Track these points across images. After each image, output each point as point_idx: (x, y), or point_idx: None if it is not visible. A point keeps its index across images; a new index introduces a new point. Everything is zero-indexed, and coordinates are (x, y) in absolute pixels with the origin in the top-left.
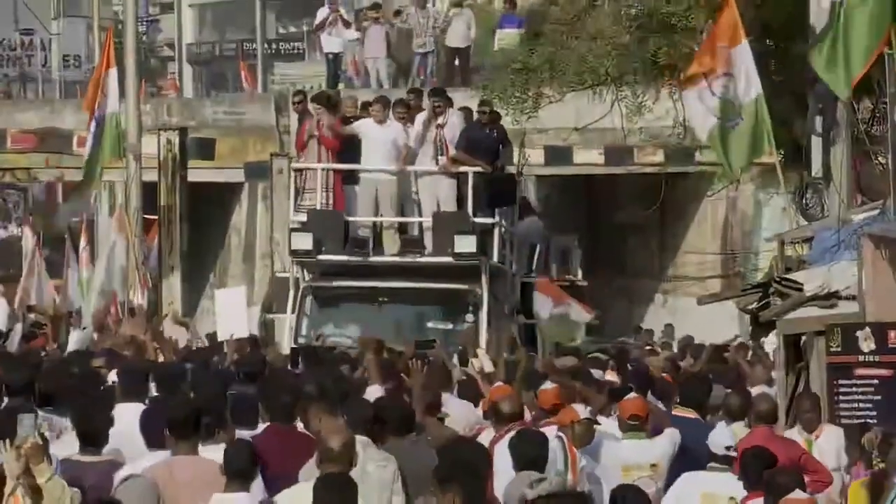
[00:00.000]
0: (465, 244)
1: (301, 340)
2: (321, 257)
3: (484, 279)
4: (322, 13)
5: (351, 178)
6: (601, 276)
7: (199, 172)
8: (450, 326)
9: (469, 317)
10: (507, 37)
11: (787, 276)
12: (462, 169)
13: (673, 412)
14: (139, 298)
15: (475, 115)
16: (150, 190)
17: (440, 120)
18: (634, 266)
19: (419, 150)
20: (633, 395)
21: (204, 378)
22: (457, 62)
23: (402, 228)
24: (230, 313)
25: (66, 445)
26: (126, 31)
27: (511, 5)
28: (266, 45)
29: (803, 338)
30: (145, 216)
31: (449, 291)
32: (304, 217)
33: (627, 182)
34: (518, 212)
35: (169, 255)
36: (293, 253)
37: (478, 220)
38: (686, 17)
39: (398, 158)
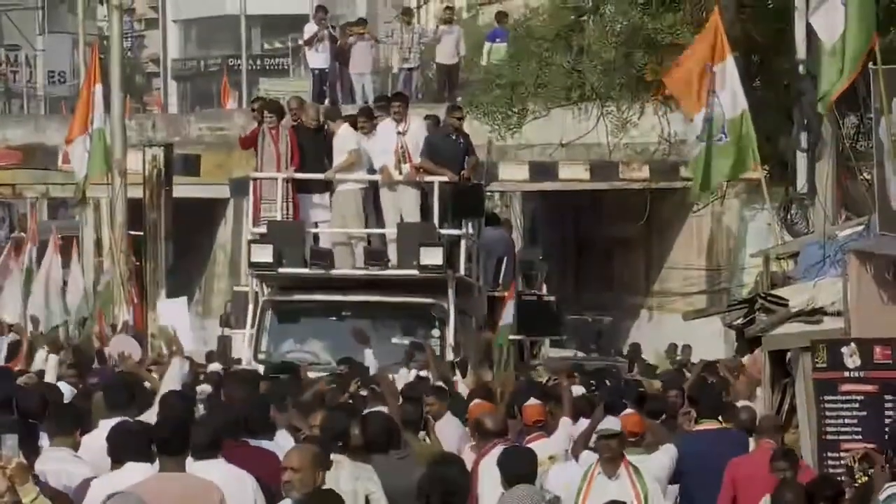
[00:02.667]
0: (431, 256)
1: (261, 357)
2: (281, 270)
3: (450, 293)
4: (310, 29)
5: (305, 187)
6: (587, 291)
7: (184, 188)
8: (413, 342)
9: (435, 332)
10: (497, 50)
11: (773, 291)
12: (427, 179)
13: (696, 428)
14: (125, 315)
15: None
16: (134, 206)
17: (400, 127)
18: (621, 281)
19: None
20: (629, 411)
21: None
22: (446, 79)
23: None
24: (173, 325)
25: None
26: (111, 47)
27: (502, 18)
28: (251, 61)
29: (789, 354)
30: (130, 232)
31: (414, 305)
32: (263, 229)
33: (613, 198)
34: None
35: (154, 272)
36: (252, 266)
37: (444, 231)
38: (672, 33)
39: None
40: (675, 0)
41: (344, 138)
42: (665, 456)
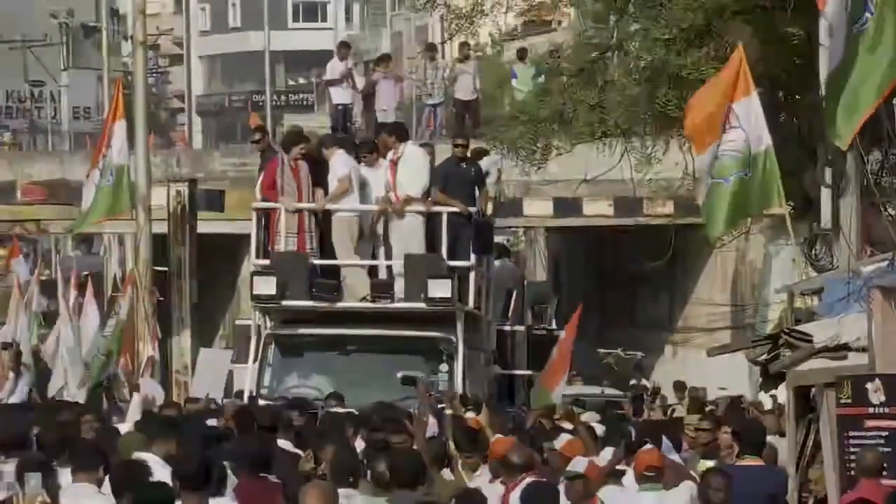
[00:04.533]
0: (440, 289)
1: (263, 392)
2: (285, 303)
3: (459, 326)
4: (334, 66)
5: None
6: (611, 326)
7: (208, 224)
8: (422, 377)
9: (443, 366)
10: (523, 76)
11: (797, 327)
12: (435, 209)
13: (737, 463)
14: (150, 351)
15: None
16: (157, 242)
17: (391, 155)
18: (645, 317)
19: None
20: (649, 446)
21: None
22: (466, 115)
23: (371, 272)
24: (211, 372)
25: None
26: (136, 83)
27: (523, 55)
28: (275, 97)
29: (813, 389)
30: (154, 268)
31: (422, 339)
32: (266, 261)
33: (637, 233)
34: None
35: (178, 308)
36: (255, 298)
37: (453, 263)
38: (696, 69)
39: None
40: (700, 36)
41: (337, 165)
42: (685, 492)
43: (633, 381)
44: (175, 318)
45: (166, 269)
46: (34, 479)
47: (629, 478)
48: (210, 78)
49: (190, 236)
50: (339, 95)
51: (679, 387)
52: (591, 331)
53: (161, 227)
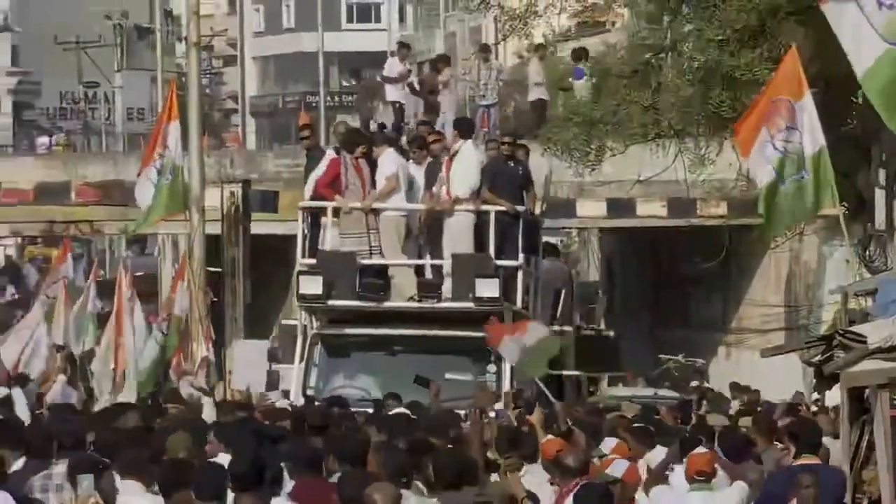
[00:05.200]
0: (487, 288)
1: (310, 393)
2: (331, 302)
3: None
4: (393, 65)
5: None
6: (664, 328)
7: (262, 225)
8: (470, 377)
9: (491, 367)
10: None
11: (851, 328)
12: (484, 207)
13: (795, 462)
14: (203, 351)
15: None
16: (211, 243)
17: (451, 149)
18: (698, 318)
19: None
20: (702, 449)
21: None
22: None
23: (419, 271)
24: (247, 364)
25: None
26: (189, 84)
27: (582, 55)
28: (328, 98)
29: (867, 391)
30: (208, 269)
31: (469, 340)
32: (312, 260)
33: (690, 234)
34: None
35: (232, 309)
36: (301, 298)
37: (500, 262)
38: (750, 70)
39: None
40: (753, 36)
41: (385, 164)
42: (736, 493)
43: (695, 383)
44: (228, 319)
45: (220, 269)
46: (86, 481)
47: (678, 475)
48: (263, 79)
49: (243, 237)
50: (394, 93)
51: (735, 387)
52: (645, 332)
53: (215, 228)
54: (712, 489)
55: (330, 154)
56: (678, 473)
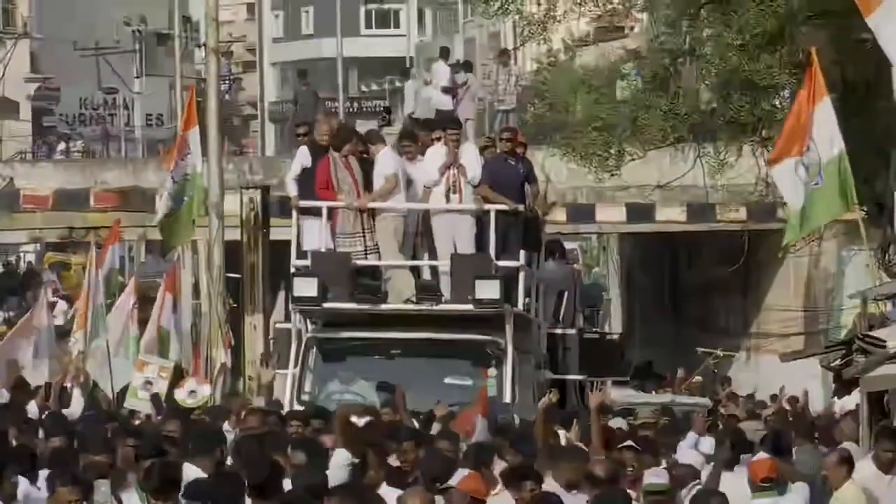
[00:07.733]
0: (487, 290)
1: (304, 398)
2: (326, 305)
3: (508, 329)
4: (442, 69)
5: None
6: (683, 332)
7: (282, 231)
8: (470, 382)
9: (492, 370)
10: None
11: (871, 333)
12: (484, 207)
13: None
14: (223, 357)
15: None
16: (231, 249)
17: (461, 160)
18: (717, 323)
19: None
20: (762, 455)
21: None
22: None
23: (416, 272)
24: None
25: None
26: (208, 90)
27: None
28: (348, 103)
29: (886, 395)
30: (227, 275)
31: (469, 342)
32: (306, 262)
33: (710, 239)
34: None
35: (252, 315)
36: (295, 300)
37: (501, 263)
38: (769, 75)
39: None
40: (773, 41)
41: (383, 162)
42: (800, 493)
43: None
44: (247, 325)
45: (239, 276)
46: (103, 486)
47: (738, 478)
48: (283, 84)
49: (263, 243)
50: (444, 101)
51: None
52: (666, 337)
53: (234, 234)
54: (777, 494)
55: (303, 151)
56: (740, 474)
